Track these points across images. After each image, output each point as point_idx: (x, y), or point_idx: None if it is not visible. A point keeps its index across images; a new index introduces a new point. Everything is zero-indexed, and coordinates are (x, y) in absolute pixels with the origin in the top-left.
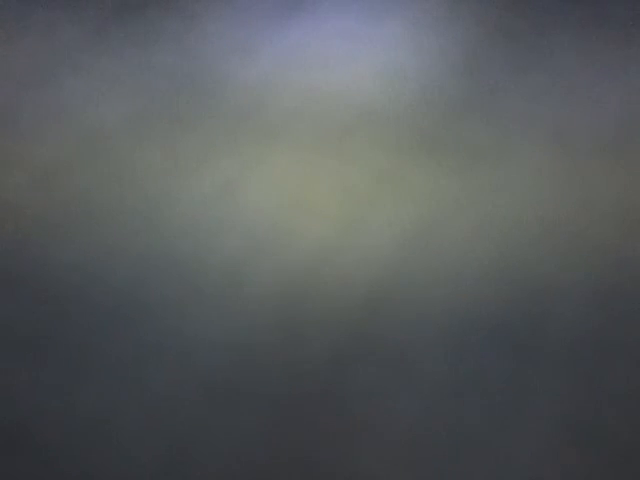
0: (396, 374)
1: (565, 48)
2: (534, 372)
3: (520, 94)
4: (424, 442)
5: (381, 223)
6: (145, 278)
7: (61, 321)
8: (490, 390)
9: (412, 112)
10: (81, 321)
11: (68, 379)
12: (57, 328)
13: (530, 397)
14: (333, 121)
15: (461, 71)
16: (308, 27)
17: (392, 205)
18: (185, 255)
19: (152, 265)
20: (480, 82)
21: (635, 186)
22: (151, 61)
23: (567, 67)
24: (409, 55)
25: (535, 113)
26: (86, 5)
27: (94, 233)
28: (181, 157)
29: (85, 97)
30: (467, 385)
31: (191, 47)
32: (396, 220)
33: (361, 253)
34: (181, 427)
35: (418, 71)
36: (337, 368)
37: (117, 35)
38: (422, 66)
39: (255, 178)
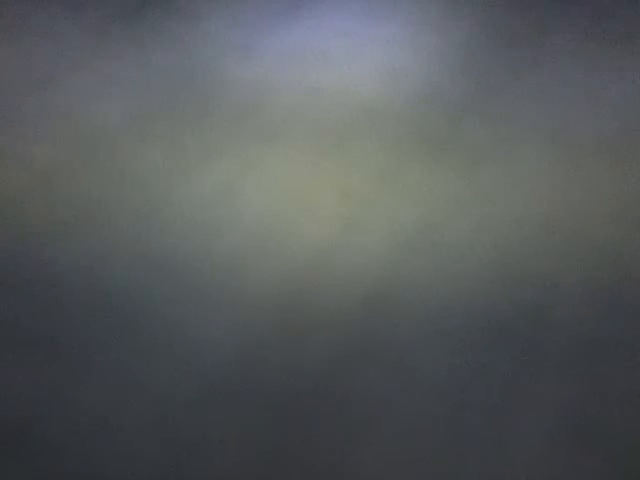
0: (396, 373)
1: (565, 48)
2: (534, 372)
3: (520, 94)
4: (424, 442)
5: (381, 223)
6: (145, 277)
7: (61, 320)
8: (490, 390)
9: (412, 112)
10: (81, 320)
11: (68, 379)
12: (57, 327)
13: (530, 397)
14: (333, 121)
15: (461, 71)
16: (308, 27)
17: (392, 205)
18: (185, 255)
19: (152, 265)
20: (480, 82)
21: (635, 186)
22: (151, 61)
23: (567, 67)
24: (409, 55)
25: (535, 113)
26: (86, 5)
27: (94, 233)
28: (181, 157)
29: (85, 97)
30: (467, 385)
31: (191, 47)
32: (396, 220)
33: (361, 253)
34: (181, 426)
35: (418, 71)
36: (337, 368)
37: (117, 35)
38: (422, 66)
39: (255, 178)
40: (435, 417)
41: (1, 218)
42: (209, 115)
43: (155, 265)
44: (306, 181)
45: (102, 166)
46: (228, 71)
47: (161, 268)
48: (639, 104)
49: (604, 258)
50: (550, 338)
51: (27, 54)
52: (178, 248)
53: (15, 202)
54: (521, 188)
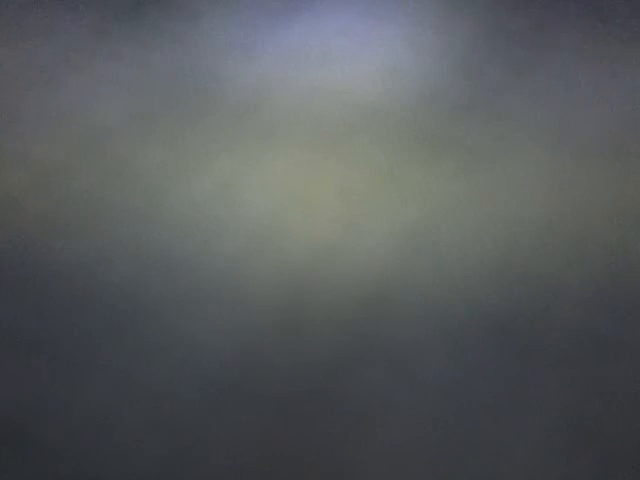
0: (396, 374)
1: (565, 48)
2: (534, 372)
3: (520, 94)
4: (424, 442)
5: (381, 223)
6: (145, 277)
7: (61, 320)
8: (490, 390)
9: (412, 112)
10: (81, 320)
11: (69, 378)
12: (57, 327)
13: (530, 397)
14: (333, 120)
15: (461, 71)
16: (308, 26)
17: (392, 205)
18: (185, 255)
19: (152, 264)
20: (480, 82)
21: (636, 186)
22: (151, 61)
23: (567, 67)
24: (409, 55)
25: (535, 113)
26: (86, 5)
27: (94, 233)
28: (181, 157)
29: (85, 97)
30: (467, 385)
31: (191, 47)
32: (396, 220)
33: (361, 253)
34: (181, 426)
35: (418, 71)
36: (337, 368)
37: (117, 35)
38: (422, 66)
39: (255, 177)
40: (435, 417)
41: (0, 218)
42: (209, 115)
43: (154, 265)
44: (306, 181)
45: (102, 166)
46: (228, 71)
47: (160, 268)
48: (639, 104)
49: (605, 258)
50: (550, 338)
51: (27, 54)
52: (178, 248)
53: (15, 202)
54: (521, 188)
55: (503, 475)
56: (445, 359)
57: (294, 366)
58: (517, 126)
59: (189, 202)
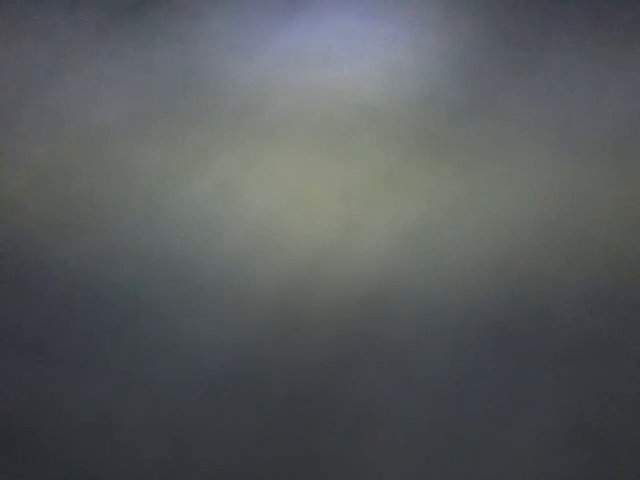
0: (396, 374)
1: (565, 48)
2: (534, 372)
3: (520, 94)
4: (424, 442)
5: (381, 223)
6: (145, 277)
7: (61, 320)
8: (490, 390)
9: (412, 112)
10: (81, 320)
11: (69, 378)
12: (57, 327)
13: (530, 397)
14: (333, 120)
15: (461, 71)
16: (308, 27)
17: (392, 205)
18: (185, 255)
19: (151, 264)
20: (480, 82)
21: (635, 186)
22: (151, 61)
23: (567, 67)
24: (409, 55)
25: (535, 113)
26: (86, 5)
27: (94, 233)
28: (181, 157)
29: (85, 97)
30: (467, 385)
31: (191, 47)
32: (396, 220)
33: (361, 253)
34: (181, 425)
35: (418, 71)
36: (337, 368)
37: (117, 35)
38: (422, 66)
39: (255, 177)
40: (435, 417)
41: (0, 218)
42: (209, 115)
43: (154, 265)
44: (306, 181)
45: (102, 166)
46: (228, 70)
47: (160, 268)
48: (638, 104)
49: (605, 258)
50: (550, 338)
51: (27, 54)
52: (178, 247)
53: (14, 202)
54: (521, 188)
55: (503, 475)
56: (445, 359)
57: (294, 366)
58: (517, 126)
59: (189, 202)
